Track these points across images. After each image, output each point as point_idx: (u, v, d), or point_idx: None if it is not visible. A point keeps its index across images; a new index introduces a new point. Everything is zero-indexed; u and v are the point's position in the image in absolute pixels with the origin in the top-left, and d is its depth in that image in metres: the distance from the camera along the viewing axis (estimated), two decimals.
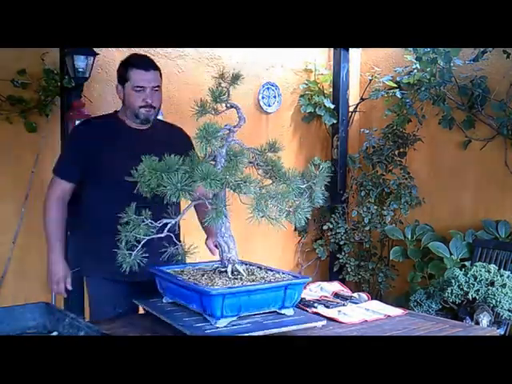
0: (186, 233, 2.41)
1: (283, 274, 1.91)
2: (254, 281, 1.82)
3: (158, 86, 2.29)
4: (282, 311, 1.84)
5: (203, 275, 1.89)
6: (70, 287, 2.32)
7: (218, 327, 1.72)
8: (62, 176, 2.33)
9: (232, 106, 1.90)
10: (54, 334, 1.61)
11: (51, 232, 2.32)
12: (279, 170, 1.81)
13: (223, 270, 1.88)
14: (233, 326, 1.73)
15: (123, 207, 2.21)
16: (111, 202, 2.23)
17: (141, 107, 2.25)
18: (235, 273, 1.86)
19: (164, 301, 1.99)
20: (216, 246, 2.24)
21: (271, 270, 1.94)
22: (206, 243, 2.40)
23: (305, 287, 2.45)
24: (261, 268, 1.97)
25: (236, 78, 1.89)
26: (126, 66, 2.28)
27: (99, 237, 2.29)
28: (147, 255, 2.19)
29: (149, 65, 2.28)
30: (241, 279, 1.83)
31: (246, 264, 1.99)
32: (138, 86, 2.24)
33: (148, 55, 2.40)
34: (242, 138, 1.94)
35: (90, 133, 2.33)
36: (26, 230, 3.35)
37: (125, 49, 3.57)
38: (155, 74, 2.28)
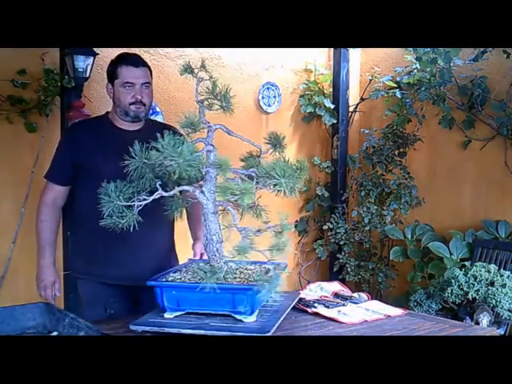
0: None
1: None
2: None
3: (148, 83, 2.27)
4: (238, 317, 1.79)
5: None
6: (58, 293, 2.30)
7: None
8: (53, 180, 2.32)
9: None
10: (54, 334, 1.61)
11: (42, 237, 2.30)
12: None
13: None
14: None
15: None
16: (98, 204, 2.24)
17: (131, 104, 2.23)
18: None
19: (168, 315, 1.85)
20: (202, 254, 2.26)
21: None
22: (193, 247, 2.37)
23: (305, 287, 2.45)
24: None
25: (227, 99, 1.88)
26: (115, 64, 2.28)
27: (89, 239, 2.29)
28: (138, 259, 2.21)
29: (138, 61, 2.27)
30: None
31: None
32: (127, 82, 2.23)
33: (138, 53, 2.38)
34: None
35: (77, 135, 2.32)
36: (25, 230, 3.35)
37: (125, 49, 3.58)
38: (145, 71, 2.27)
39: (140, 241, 2.21)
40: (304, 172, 1.78)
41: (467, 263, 3.63)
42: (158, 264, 2.17)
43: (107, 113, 2.38)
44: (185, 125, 1.81)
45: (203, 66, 1.88)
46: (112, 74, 2.28)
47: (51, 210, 2.31)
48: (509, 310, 3.03)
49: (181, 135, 2.37)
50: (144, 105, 2.25)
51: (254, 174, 1.80)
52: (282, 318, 1.85)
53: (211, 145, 1.86)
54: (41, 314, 1.68)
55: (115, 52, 3.54)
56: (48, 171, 2.35)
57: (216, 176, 1.82)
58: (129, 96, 2.23)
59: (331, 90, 4.51)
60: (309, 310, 2.11)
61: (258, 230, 1.77)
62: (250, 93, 4.23)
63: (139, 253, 2.23)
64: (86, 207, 2.28)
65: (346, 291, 2.39)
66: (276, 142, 1.90)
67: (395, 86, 4.17)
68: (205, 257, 2.21)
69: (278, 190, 1.73)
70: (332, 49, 4.51)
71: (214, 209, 1.84)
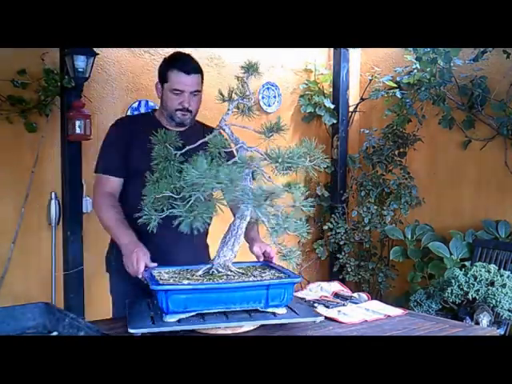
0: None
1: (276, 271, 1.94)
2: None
3: (198, 91, 2.22)
4: (270, 310, 1.83)
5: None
6: (151, 264, 2.03)
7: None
8: (107, 172, 2.23)
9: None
10: (54, 334, 1.61)
11: (112, 225, 2.16)
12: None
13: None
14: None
15: None
16: (140, 201, 2.17)
17: (177, 110, 2.19)
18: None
19: (169, 319, 1.76)
20: (264, 253, 2.16)
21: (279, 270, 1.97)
22: (252, 251, 2.21)
23: (305, 287, 2.45)
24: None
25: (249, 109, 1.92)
26: (167, 66, 2.20)
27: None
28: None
29: (191, 68, 2.19)
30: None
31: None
32: (176, 89, 2.17)
33: (192, 56, 2.26)
34: (242, 139, 1.95)
35: (126, 129, 2.26)
36: (26, 230, 3.35)
37: (125, 49, 3.58)
38: (196, 78, 2.20)
39: (177, 238, 2.17)
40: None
41: (467, 263, 3.63)
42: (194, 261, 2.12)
43: (154, 110, 2.36)
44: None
45: (256, 69, 1.88)
46: (162, 76, 2.21)
47: (111, 200, 2.20)
48: (509, 310, 3.03)
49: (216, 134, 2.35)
50: (190, 112, 2.21)
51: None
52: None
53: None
54: (41, 314, 1.67)
55: (115, 52, 3.57)
56: (100, 164, 2.26)
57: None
58: (176, 102, 2.18)
59: (331, 90, 4.51)
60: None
61: None
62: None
63: (177, 250, 2.19)
64: (127, 203, 2.21)
65: (346, 291, 2.39)
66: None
67: (395, 86, 4.17)
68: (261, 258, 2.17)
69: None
70: (332, 49, 4.52)
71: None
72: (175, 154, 1.88)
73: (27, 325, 1.65)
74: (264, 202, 1.70)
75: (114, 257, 2.27)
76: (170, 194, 1.77)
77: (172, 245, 2.20)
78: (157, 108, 2.41)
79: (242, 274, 1.89)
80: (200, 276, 1.86)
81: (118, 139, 2.27)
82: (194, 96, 2.21)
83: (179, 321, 1.75)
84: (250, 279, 1.84)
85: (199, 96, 2.24)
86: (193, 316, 1.77)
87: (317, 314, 1.94)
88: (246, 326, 1.81)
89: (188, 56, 2.25)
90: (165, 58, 2.27)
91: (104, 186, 2.23)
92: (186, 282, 1.80)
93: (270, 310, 1.83)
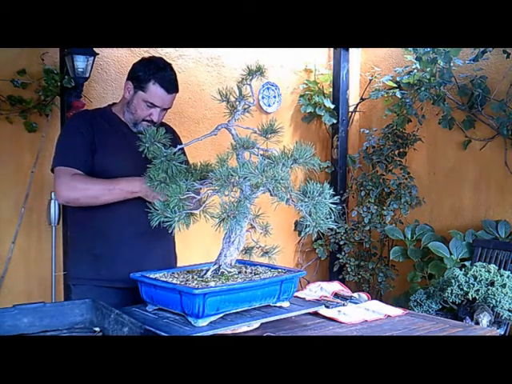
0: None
1: (277, 269, 1.97)
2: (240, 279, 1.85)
3: (170, 107, 2.19)
4: (278, 304, 1.91)
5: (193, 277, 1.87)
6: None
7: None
8: (73, 165, 2.06)
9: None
10: (97, 329, 1.64)
11: (103, 186, 2.03)
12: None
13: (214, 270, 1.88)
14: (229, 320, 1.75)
15: (116, 205, 2.09)
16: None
17: (144, 120, 2.15)
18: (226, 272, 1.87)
19: (149, 309, 1.86)
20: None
21: (267, 267, 1.99)
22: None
23: (305, 287, 2.45)
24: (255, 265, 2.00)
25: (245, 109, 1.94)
26: (149, 75, 2.11)
27: (92, 238, 2.15)
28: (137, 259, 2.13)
29: (172, 87, 2.15)
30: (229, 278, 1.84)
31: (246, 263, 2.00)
32: (151, 103, 2.12)
33: (175, 70, 2.19)
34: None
35: (90, 122, 2.15)
36: (25, 230, 3.35)
37: (125, 49, 3.58)
38: (173, 97, 2.17)
39: (144, 239, 2.17)
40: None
41: (467, 263, 3.63)
42: (160, 264, 2.11)
43: (110, 106, 2.29)
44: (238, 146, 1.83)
45: (261, 71, 1.89)
46: (140, 81, 2.12)
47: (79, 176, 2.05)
48: (509, 310, 3.03)
49: (178, 136, 2.35)
50: (154, 124, 2.15)
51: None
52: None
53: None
54: (88, 310, 1.70)
55: (115, 52, 3.57)
56: (63, 158, 2.09)
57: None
58: (146, 113, 2.14)
59: (331, 89, 4.51)
60: (309, 309, 2.11)
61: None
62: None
63: (143, 252, 2.18)
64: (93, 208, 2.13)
65: (346, 291, 2.39)
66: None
67: (395, 86, 4.17)
68: None
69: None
70: (332, 49, 4.52)
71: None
72: (174, 152, 1.88)
73: (75, 320, 1.68)
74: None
75: (83, 263, 2.17)
76: (193, 195, 1.77)
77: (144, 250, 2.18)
78: (115, 102, 2.32)
79: (250, 272, 1.91)
80: (211, 277, 1.83)
81: (82, 131, 2.12)
82: (163, 110, 2.17)
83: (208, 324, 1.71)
84: (267, 276, 1.87)
85: (167, 110, 2.21)
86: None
87: (317, 304, 2.04)
88: (255, 324, 1.82)
89: (172, 71, 2.17)
90: (146, 62, 2.16)
91: (66, 174, 2.04)
92: (212, 284, 1.75)
93: (278, 304, 1.90)
